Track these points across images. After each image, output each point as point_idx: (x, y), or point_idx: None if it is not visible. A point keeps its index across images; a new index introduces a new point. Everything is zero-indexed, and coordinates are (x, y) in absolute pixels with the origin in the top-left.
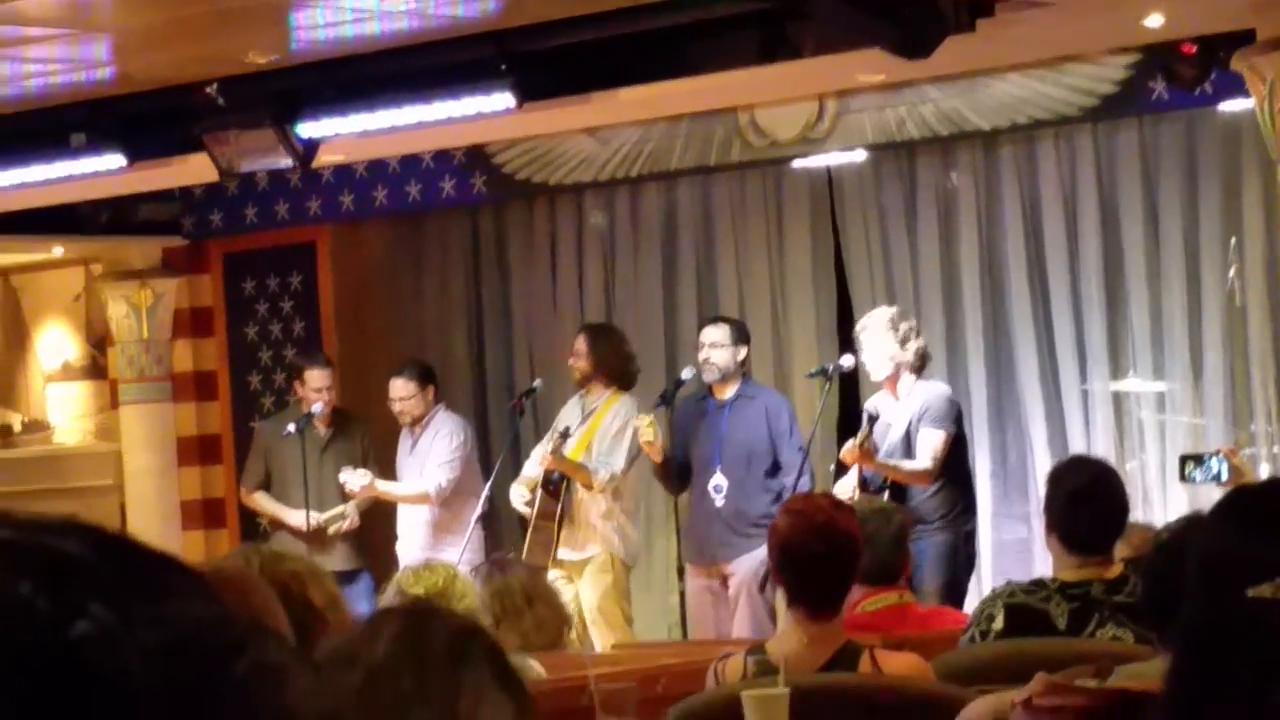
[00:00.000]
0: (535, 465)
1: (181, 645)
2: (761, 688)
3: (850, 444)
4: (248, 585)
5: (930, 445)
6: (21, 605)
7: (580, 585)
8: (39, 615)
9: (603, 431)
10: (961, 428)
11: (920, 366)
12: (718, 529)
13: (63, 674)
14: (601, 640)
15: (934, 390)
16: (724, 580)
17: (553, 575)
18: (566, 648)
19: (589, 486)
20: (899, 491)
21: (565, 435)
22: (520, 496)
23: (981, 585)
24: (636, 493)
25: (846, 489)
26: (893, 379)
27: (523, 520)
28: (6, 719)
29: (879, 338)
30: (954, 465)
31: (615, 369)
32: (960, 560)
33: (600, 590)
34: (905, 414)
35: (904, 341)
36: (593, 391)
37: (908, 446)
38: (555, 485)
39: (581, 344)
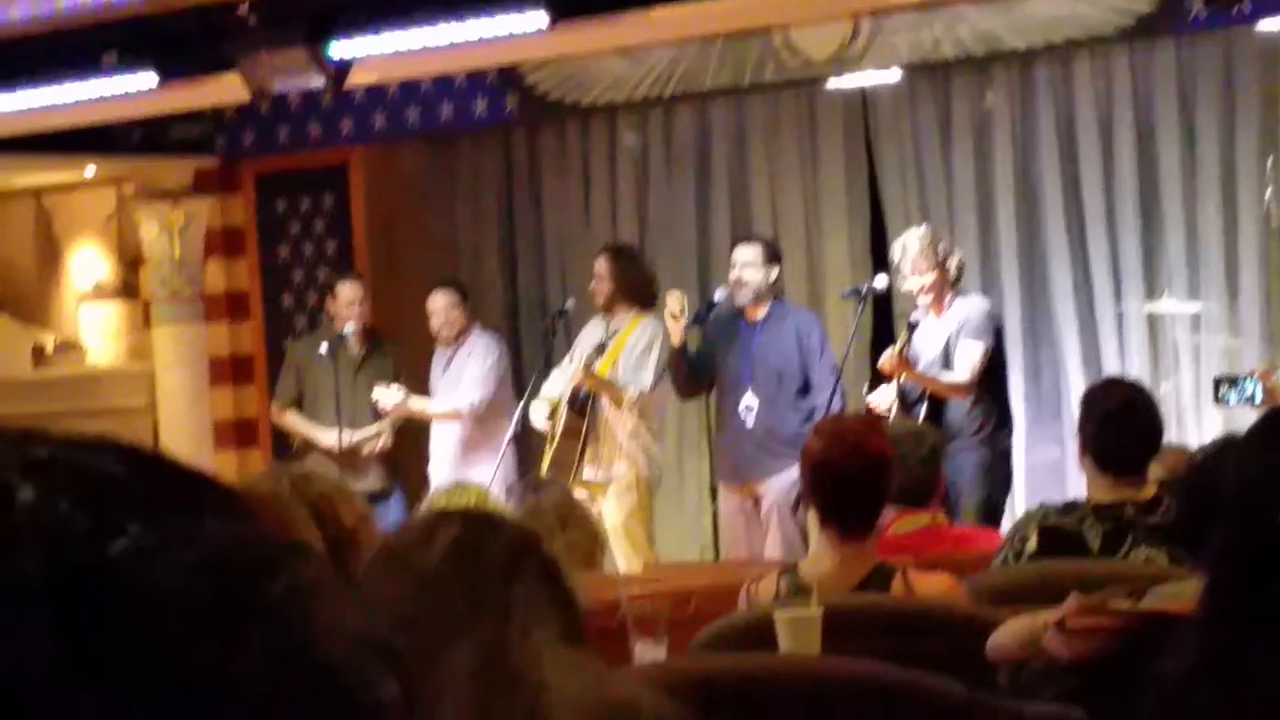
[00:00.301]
0: (557, 384)
1: (219, 563)
2: (794, 608)
3: (889, 352)
4: (279, 505)
5: (969, 357)
6: (60, 523)
7: (604, 504)
8: (77, 533)
9: (629, 350)
10: (1000, 342)
11: (957, 279)
12: (749, 449)
13: (102, 592)
14: (624, 560)
15: (973, 304)
16: (756, 501)
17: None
18: (600, 569)
19: (618, 403)
20: (936, 405)
21: (601, 349)
22: (541, 414)
23: (1015, 507)
24: (663, 413)
25: (885, 400)
26: (937, 297)
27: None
28: (47, 637)
29: (917, 256)
30: (991, 380)
31: (638, 289)
32: (998, 478)
33: (626, 510)
34: (945, 328)
35: (944, 260)
36: (616, 313)
37: (946, 361)
38: (582, 403)
39: (603, 266)
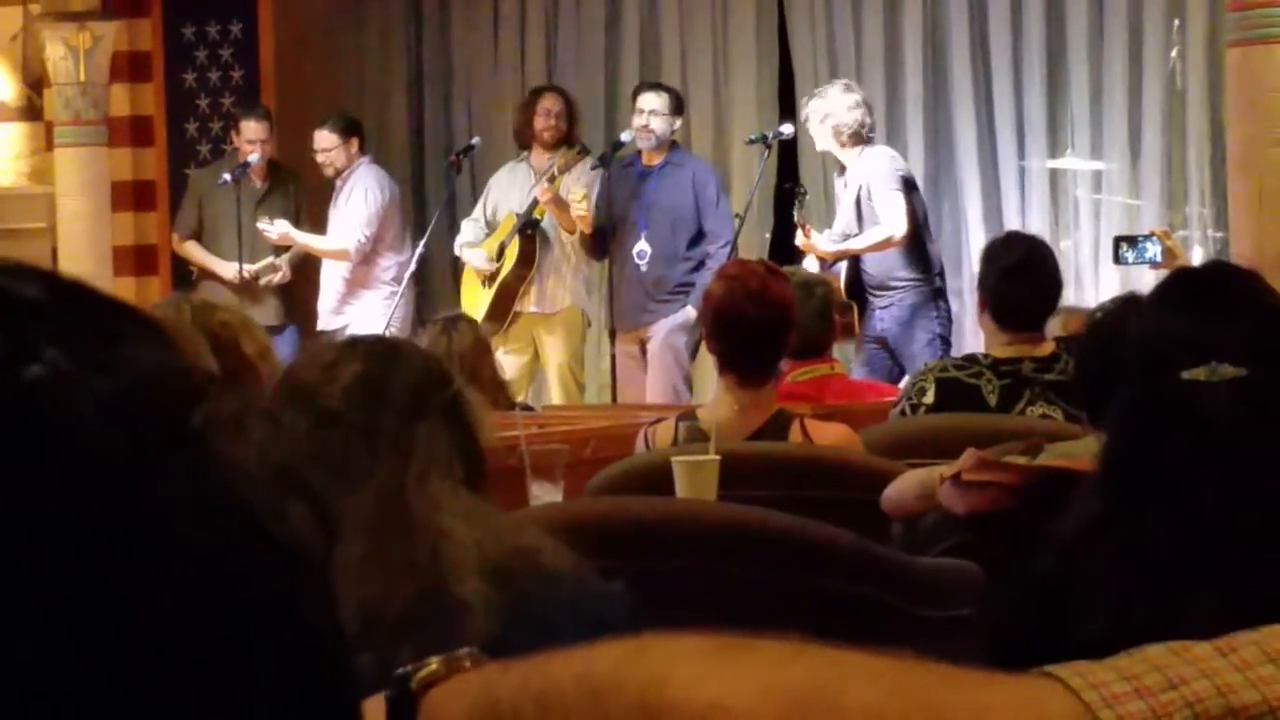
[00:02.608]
0: (467, 235)
1: (138, 392)
2: (692, 454)
3: (803, 239)
4: (178, 334)
5: (894, 208)
6: None
7: (548, 339)
8: None
9: (566, 189)
10: (914, 191)
11: (866, 137)
12: (638, 295)
13: (14, 418)
14: (556, 396)
15: (880, 155)
16: (643, 345)
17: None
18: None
19: (583, 223)
20: (854, 262)
21: (555, 176)
22: (481, 256)
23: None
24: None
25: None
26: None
27: (457, 277)
28: None
29: (833, 107)
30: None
31: (579, 130)
32: (942, 315)
33: (571, 348)
34: (853, 183)
35: (853, 109)
36: (546, 152)
37: (858, 214)
38: (530, 234)
39: (557, 105)
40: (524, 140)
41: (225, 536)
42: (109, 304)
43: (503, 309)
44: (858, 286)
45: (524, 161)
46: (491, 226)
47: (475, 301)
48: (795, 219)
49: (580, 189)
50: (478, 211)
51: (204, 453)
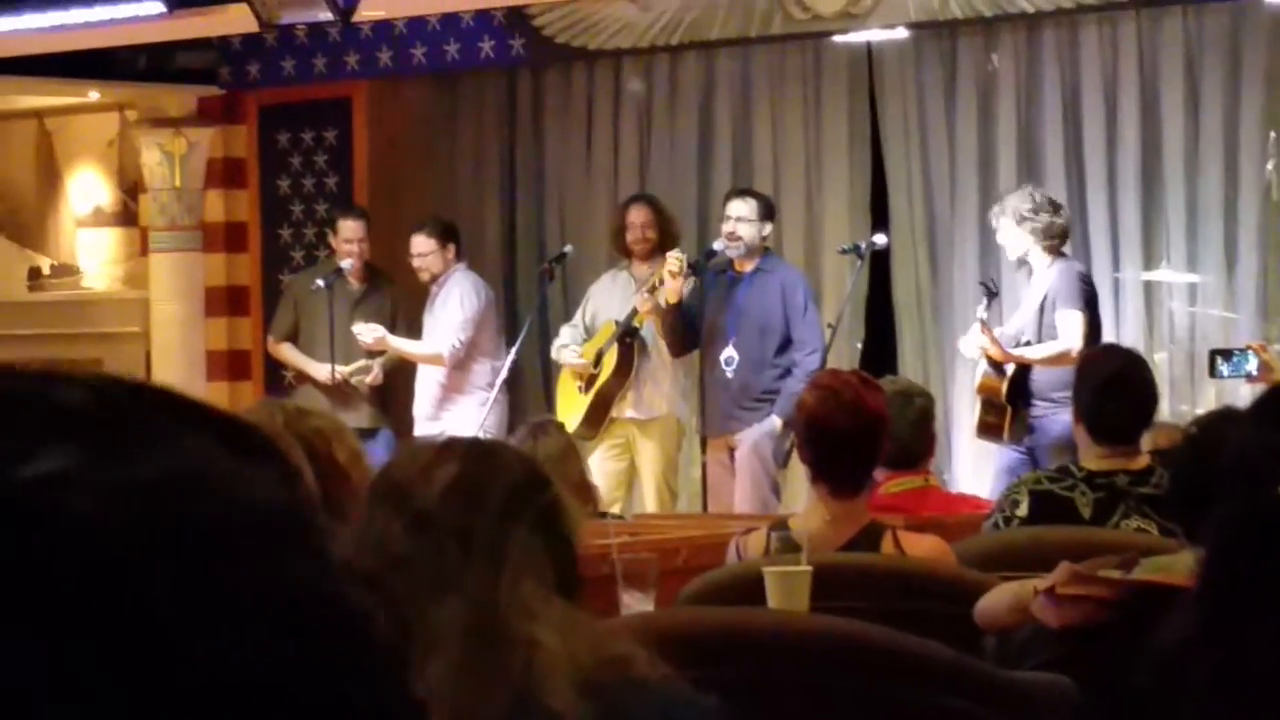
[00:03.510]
0: (574, 334)
1: (147, 487)
2: (783, 564)
3: (982, 338)
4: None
5: (1076, 324)
6: None
7: (643, 447)
8: None
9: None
10: (1095, 306)
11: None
12: (725, 401)
13: (4, 518)
14: (650, 505)
15: (1072, 270)
16: (731, 453)
17: (603, 447)
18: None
19: (667, 302)
20: (1022, 370)
21: (656, 287)
22: (577, 355)
23: None
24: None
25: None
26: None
27: (549, 383)
28: None
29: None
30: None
31: (675, 237)
32: None
33: (667, 456)
34: (1039, 290)
35: (1036, 216)
36: (644, 262)
37: (1040, 322)
38: (629, 342)
39: (645, 215)
40: (622, 249)
41: (261, 634)
42: (168, 407)
43: (599, 416)
44: (1021, 392)
45: (625, 270)
46: (590, 333)
47: (571, 407)
48: (981, 315)
49: (675, 261)
50: (577, 318)
51: (253, 551)
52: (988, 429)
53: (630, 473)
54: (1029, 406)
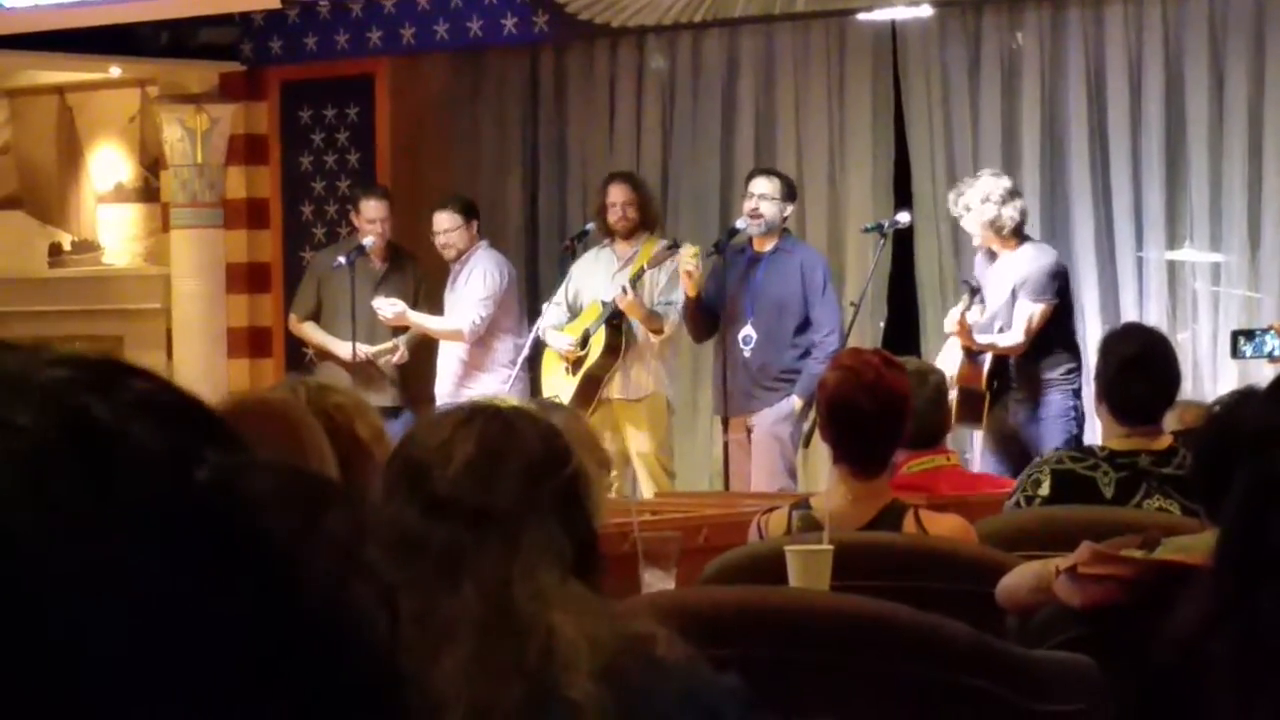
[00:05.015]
0: (558, 313)
1: (284, 494)
2: (805, 543)
3: (954, 315)
4: (294, 416)
5: (1026, 320)
6: (150, 454)
7: (631, 429)
8: (165, 462)
9: (652, 275)
10: (1066, 291)
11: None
12: (743, 381)
13: (197, 514)
14: (645, 485)
15: (1040, 258)
16: (749, 432)
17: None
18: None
19: (659, 332)
20: (1001, 360)
21: (638, 277)
22: (566, 340)
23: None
24: (676, 343)
25: (950, 362)
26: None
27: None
28: (164, 566)
29: (986, 198)
30: (1061, 329)
31: (655, 216)
32: (1078, 417)
33: (657, 437)
34: (1009, 278)
35: (1000, 205)
36: (626, 240)
37: (1010, 313)
38: (617, 324)
39: (625, 194)
40: (605, 227)
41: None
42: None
43: (587, 397)
44: (1000, 378)
45: (607, 248)
46: (573, 311)
47: (556, 386)
48: (961, 314)
49: (691, 250)
50: (559, 296)
51: (335, 553)
52: (964, 416)
53: (622, 456)
54: (1008, 392)
